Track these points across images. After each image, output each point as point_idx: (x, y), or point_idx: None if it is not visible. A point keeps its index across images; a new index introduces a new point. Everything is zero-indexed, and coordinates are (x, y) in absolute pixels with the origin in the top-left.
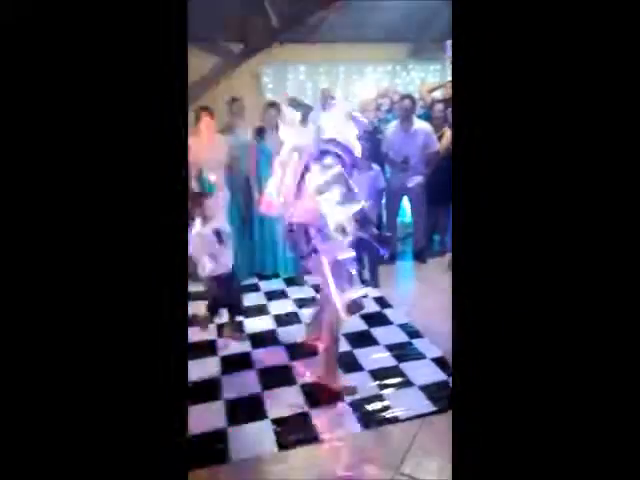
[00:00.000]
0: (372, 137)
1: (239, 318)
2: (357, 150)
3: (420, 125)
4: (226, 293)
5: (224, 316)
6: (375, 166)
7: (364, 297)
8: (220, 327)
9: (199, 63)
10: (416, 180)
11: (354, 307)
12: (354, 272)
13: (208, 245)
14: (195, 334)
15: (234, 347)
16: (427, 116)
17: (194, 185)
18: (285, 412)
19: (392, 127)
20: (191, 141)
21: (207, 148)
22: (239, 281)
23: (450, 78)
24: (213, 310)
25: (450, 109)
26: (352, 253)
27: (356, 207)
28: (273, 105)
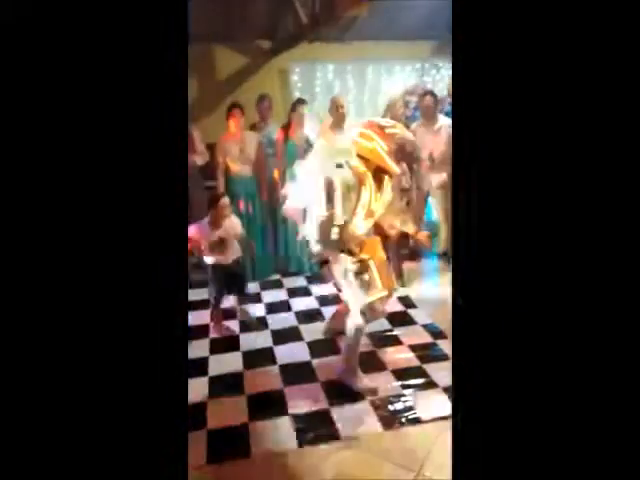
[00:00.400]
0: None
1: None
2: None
3: (445, 122)
4: (231, 280)
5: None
6: (403, 165)
7: (387, 297)
8: (212, 313)
9: (228, 61)
10: (440, 178)
11: (370, 313)
12: (367, 277)
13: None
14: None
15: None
16: None
17: (220, 181)
18: (305, 409)
19: (416, 125)
20: (221, 137)
21: (236, 144)
22: (244, 268)
23: None
24: (218, 298)
25: None
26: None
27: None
28: (301, 102)
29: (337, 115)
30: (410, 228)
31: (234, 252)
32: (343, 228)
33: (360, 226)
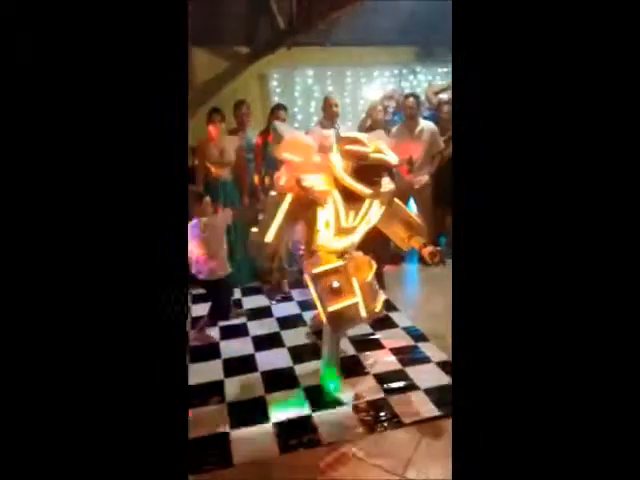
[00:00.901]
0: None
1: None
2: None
3: (425, 125)
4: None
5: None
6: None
7: (354, 303)
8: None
9: (206, 66)
10: (422, 180)
11: (336, 321)
12: (336, 284)
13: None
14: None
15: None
16: (434, 118)
17: (200, 185)
18: (287, 415)
19: (397, 128)
20: (201, 142)
21: (216, 148)
22: (230, 290)
23: None
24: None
25: None
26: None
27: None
28: (280, 108)
29: (330, 113)
30: (418, 241)
31: (223, 267)
32: (268, 246)
33: (333, 243)
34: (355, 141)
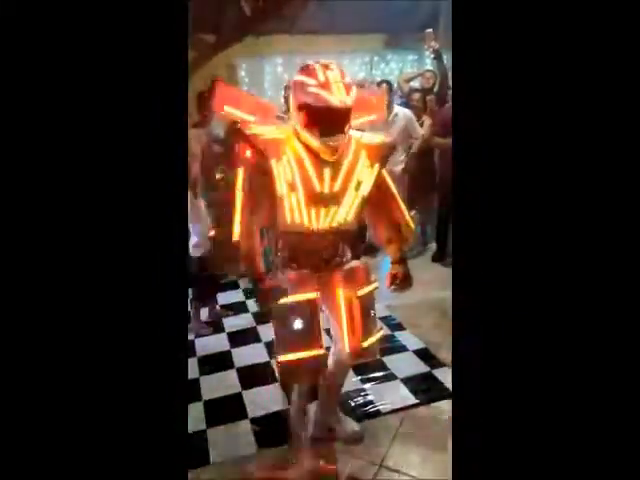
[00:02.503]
0: None
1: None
2: None
3: (400, 110)
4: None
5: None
6: None
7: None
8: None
9: None
10: (396, 168)
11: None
12: (299, 325)
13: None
14: None
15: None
16: (405, 105)
17: None
18: (264, 411)
19: None
20: None
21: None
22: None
23: (427, 67)
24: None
25: (428, 97)
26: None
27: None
28: None
29: None
30: (393, 253)
31: (204, 244)
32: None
33: (311, 219)
34: (306, 71)
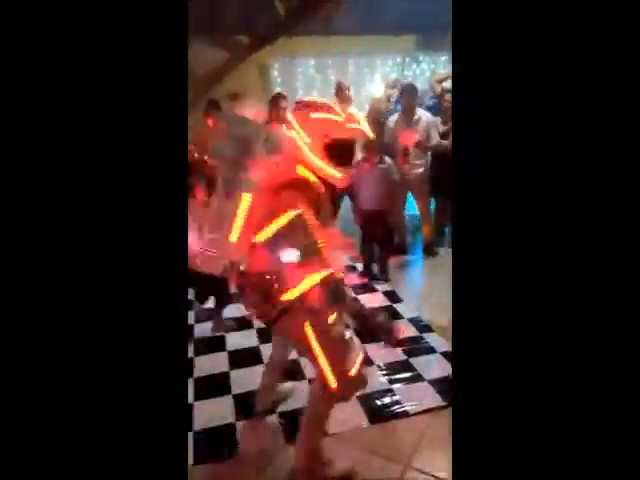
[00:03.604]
0: (380, 129)
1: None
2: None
3: (423, 115)
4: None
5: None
6: (387, 159)
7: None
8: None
9: (206, 56)
10: (417, 171)
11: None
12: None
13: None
14: None
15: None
16: (437, 106)
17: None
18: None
19: (395, 117)
20: (198, 134)
21: (214, 141)
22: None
23: None
24: (202, 297)
25: None
26: None
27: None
28: (280, 97)
29: (342, 98)
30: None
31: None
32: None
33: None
34: (321, 107)
